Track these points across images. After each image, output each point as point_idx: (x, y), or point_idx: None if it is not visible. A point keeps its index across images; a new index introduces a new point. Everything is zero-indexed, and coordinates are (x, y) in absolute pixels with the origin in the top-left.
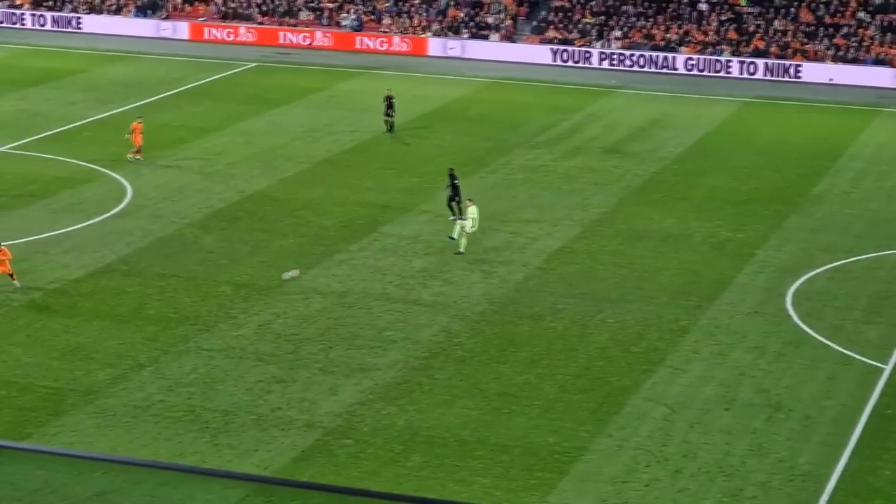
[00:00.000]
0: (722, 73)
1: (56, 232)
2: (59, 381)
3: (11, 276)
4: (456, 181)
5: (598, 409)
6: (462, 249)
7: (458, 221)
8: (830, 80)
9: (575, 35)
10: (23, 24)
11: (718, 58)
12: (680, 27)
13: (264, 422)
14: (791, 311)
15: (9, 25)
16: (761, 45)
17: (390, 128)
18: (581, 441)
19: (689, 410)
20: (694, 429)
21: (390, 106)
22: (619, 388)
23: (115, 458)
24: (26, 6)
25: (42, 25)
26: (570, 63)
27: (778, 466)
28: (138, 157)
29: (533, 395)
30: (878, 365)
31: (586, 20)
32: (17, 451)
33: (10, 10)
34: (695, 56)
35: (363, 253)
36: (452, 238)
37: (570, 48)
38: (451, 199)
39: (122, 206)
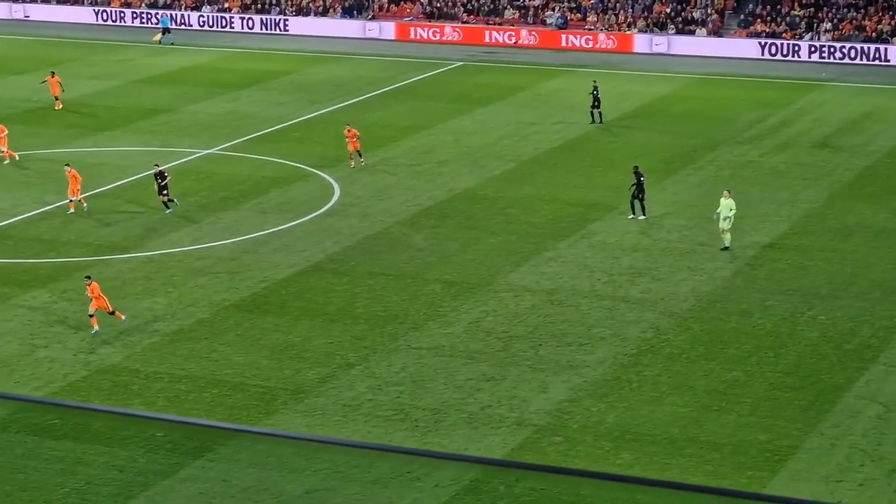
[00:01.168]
0: None
1: (265, 231)
2: (270, 379)
3: (112, 313)
4: (642, 178)
5: (809, 406)
6: (727, 244)
7: (723, 230)
8: None
9: (783, 28)
10: (232, 28)
11: None
12: (892, 18)
13: (474, 420)
14: None
15: (218, 29)
16: None
17: (597, 118)
18: (792, 439)
19: None
20: None
21: (596, 99)
22: (832, 386)
23: (349, 442)
24: (235, 10)
25: (250, 28)
26: (778, 57)
27: None
28: (361, 162)
29: (742, 392)
30: None
31: (795, 13)
32: (262, 435)
33: (220, 14)
34: None
35: (572, 250)
36: (726, 248)
37: (778, 42)
38: (634, 196)
39: (330, 204)
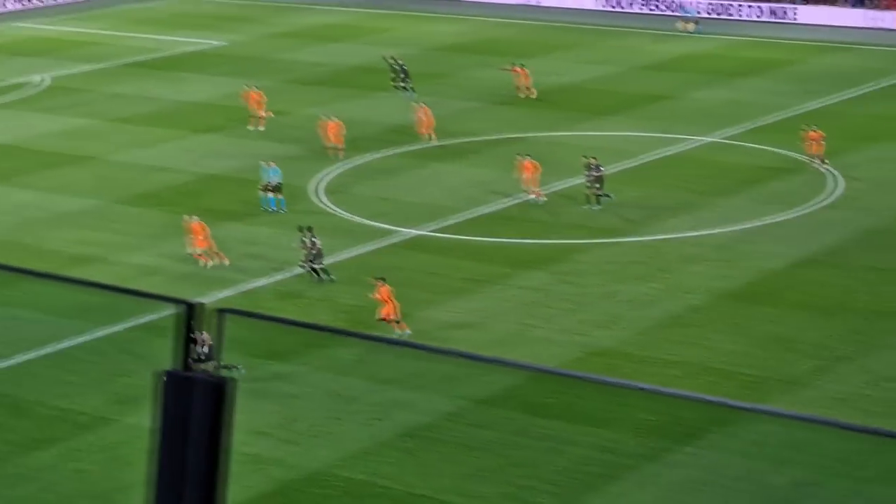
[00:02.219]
0: None
1: (762, 221)
2: (761, 369)
3: (393, 321)
4: None
5: None
6: None
7: None
8: None
9: None
10: (739, 16)
11: None
12: None
13: None
14: None
15: (723, 17)
16: None
17: None
18: None
19: None
20: None
21: None
22: None
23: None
24: None
25: (758, 17)
26: None
27: None
28: (825, 164)
29: None
30: None
31: None
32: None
33: (724, 2)
34: None
35: None
36: None
37: None
38: None
39: (830, 197)
